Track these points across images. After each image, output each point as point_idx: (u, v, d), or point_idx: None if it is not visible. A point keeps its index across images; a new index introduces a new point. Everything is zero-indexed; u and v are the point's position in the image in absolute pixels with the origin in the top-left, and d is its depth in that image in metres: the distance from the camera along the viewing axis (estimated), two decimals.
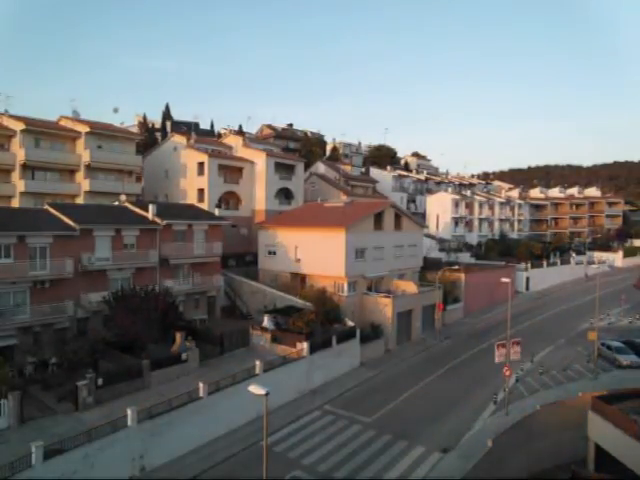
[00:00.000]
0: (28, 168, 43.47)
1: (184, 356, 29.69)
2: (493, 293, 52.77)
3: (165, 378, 27.96)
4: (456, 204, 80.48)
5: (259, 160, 55.31)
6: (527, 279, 64.17)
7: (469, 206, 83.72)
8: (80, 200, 45.39)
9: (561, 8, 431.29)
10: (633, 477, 22.08)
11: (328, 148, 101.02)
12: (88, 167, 46.02)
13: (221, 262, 41.94)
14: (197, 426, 23.21)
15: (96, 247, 32.86)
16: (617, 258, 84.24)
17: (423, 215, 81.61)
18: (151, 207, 37.38)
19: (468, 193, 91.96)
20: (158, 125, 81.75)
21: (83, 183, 46.06)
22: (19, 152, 43.12)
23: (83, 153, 46.12)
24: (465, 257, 68.02)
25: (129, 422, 20.77)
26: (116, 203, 41.29)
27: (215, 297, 41.38)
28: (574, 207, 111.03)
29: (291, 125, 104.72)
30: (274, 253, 45.15)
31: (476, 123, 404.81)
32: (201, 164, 51.57)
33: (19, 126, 43.56)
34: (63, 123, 48.56)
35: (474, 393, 30.36)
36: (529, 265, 65.29)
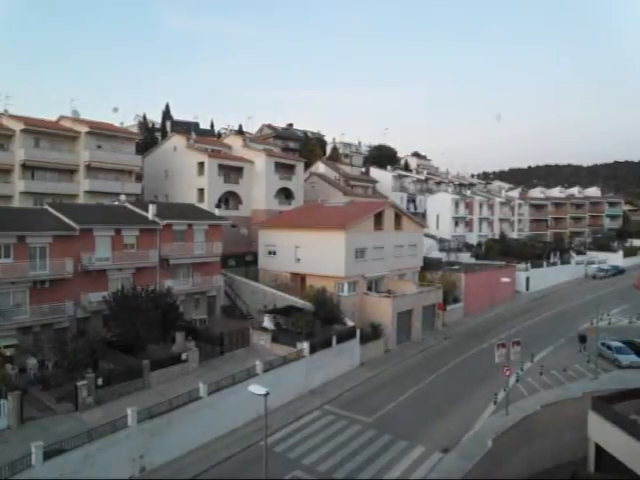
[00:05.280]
0: (28, 168, 43.42)
1: (184, 356, 29.64)
2: (493, 293, 52.66)
3: (165, 378, 27.93)
4: (456, 204, 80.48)
5: (259, 160, 55.27)
6: (527, 279, 64.11)
7: (469, 206, 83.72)
8: (80, 200, 45.35)
9: (561, 4, 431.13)
10: (634, 477, 22.05)
11: (328, 148, 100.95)
12: (88, 167, 45.98)
13: (221, 262, 41.91)
14: (197, 426, 23.19)
15: (96, 247, 32.79)
16: (617, 258, 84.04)
17: (423, 215, 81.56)
18: (151, 207, 37.33)
19: (468, 193, 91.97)
20: (158, 125, 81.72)
21: (83, 183, 46.01)
22: (19, 152, 43.07)
23: (83, 153, 46.07)
24: (465, 257, 68.03)
25: (129, 422, 20.74)
26: (116, 203, 41.26)
27: (215, 297, 41.34)
28: (574, 207, 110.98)
29: (291, 125, 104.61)
30: (274, 253, 45.11)
31: (477, 123, 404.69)
32: (201, 164, 51.53)
33: (19, 126, 43.52)
34: (63, 123, 48.51)
35: (474, 393, 30.35)
36: (529, 265, 65.24)
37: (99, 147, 47.29)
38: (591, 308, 51.65)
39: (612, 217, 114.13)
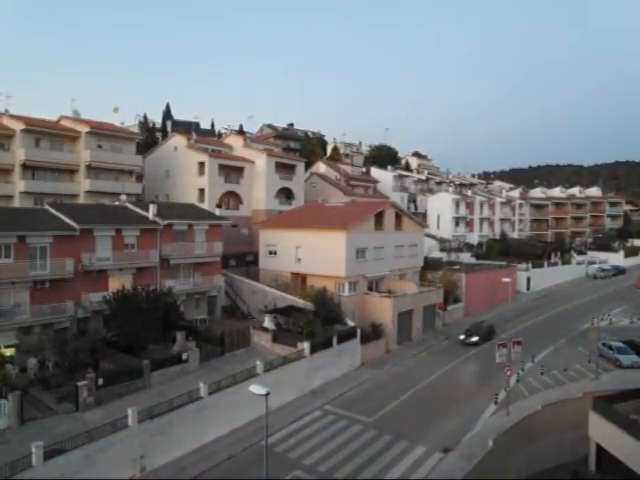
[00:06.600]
0: (28, 168, 43.40)
1: (185, 356, 29.63)
2: (494, 293, 52.68)
3: (166, 378, 27.92)
4: (457, 204, 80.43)
5: (260, 160, 55.25)
6: (528, 279, 64.07)
7: (470, 206, 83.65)
8: (80, 200, 45.34)
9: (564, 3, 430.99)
10: (634, 477, 22.02)
11: (329, 148, 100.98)
12: (88, 167, 45.98)
13: (222, 262, 41.91)
14: (198, 426, 23.18)
15: (96, 247, 32.80)
16: (618, 258, 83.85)
17: (424, 215, 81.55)
18: (152, 207, 37.33)
19: (469, 193, 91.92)
20: (159, 125, 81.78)
21: (83, 183, 46.01)
22: (19, 152, 43.06)
23: (83, 153, 46.06)
24: (466, 257, 67.99)
25: (130, 422, 20.72)
26: (116, 203, 41.26)
27: (216, 297, 41.33)
28: (575, 207, 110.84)
29: (292, 125, 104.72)
30: (275, 253, 45.08)
31: (477, 123, 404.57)
32: (201, 164, 51.54)
33: (19, 126, 43.50)
34: (63, 123, 48.49)
35: (475, 393, 30.29)
36: (530, 265, 65.18)
37: (99, 147, 47.28)
38: (592, 308, 51.92)
39: (613, 217, 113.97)
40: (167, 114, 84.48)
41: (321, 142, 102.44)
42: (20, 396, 22.50)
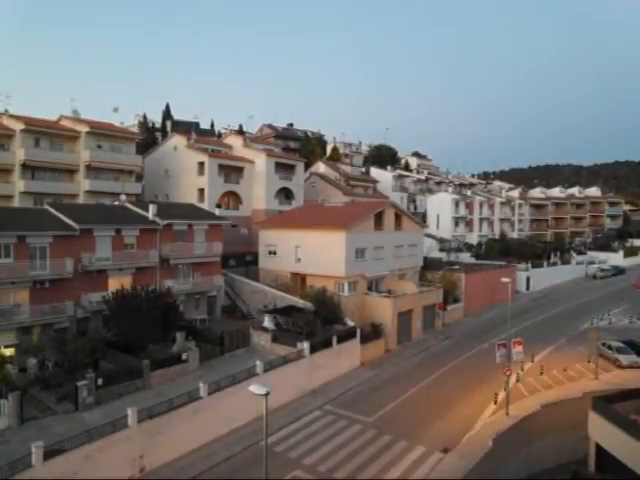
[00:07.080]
0: (28, 168, 43.41)
1: (184, 356, 29.63)
2: (493, 293, 52.75)
3: (165, 378, 27.93)
4: (456, 204, 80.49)
5: (259, 160, 55.24)
6: (527, 279, 64.12)
7: (469, 206, 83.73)
8: (80, 200, 45.35)
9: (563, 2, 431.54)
10: (634, 477, 22.03)
11: (328, 148, 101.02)
12: (88, 167, 45.98)
13: (221, 262, 41.90)
14: (197, 426, 23.17)
15: (96, 247, 32.80)
16: (617, 258, 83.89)
17: (423, 215, 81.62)
18: (151, 207, 37.32)
19: (468, 193, 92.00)
20: (158, 125, 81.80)
21: (83, 183, 46.02)
22: (19, 152, 43.06)
23: (83, 153, 46.06)
24: (465, 257, 68.03)
25: (129, 422, 20.72)
26: (116, 203, 41.26)
27: (215, 297, 41.32)
28: (575, 207, 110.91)
29: (291, 125, 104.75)
30: (274, 253, 45.09)
31: (477, 123, 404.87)
32: (201, 164, 51.52)
33: (19, 126, 43.50)
34: (63, 123, 48.49)
35: (474, 393, 30.29)
36: (529, 265, 65.23)
37: (99, 147, 47.28)
38: (592, 308, 51.99)
39: (612, 217, 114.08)
40: (167, 114, 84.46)
41: (321, 142, 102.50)
42: (20, 396, 22.50)
